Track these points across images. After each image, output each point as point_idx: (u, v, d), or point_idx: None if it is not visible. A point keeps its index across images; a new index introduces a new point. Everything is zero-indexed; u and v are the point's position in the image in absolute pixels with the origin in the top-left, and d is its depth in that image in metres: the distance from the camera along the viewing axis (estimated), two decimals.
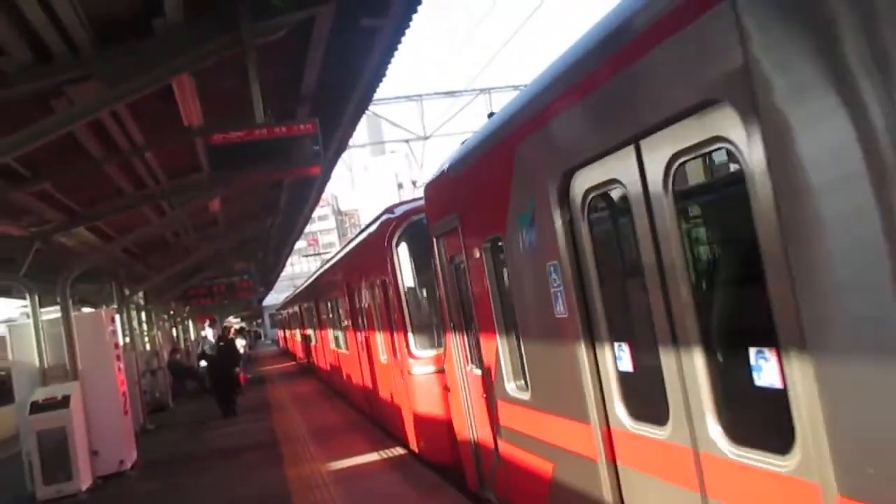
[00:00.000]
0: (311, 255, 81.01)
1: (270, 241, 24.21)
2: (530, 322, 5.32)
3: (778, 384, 2.85)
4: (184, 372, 24.46)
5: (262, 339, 78.07)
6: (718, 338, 3.32)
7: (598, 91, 3.83)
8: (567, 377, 4.59)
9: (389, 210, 11.06)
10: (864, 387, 2.37)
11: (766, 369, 2.93)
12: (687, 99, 3.01)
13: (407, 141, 26.63)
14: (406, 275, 9.96)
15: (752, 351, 3.01)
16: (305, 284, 28.75)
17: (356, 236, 15.08)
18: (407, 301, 9.90)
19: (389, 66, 8.42)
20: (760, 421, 3.22)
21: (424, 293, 9.86)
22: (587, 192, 4.12)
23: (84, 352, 11.46)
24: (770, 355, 2.91)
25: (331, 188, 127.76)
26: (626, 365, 4.11)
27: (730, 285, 3.51)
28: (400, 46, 7.79)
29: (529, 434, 5.57)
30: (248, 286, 27.41)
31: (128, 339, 17.98)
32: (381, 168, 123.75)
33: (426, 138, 25.92)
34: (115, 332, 12.59)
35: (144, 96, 7.20)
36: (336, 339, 17.90)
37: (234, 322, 59.83)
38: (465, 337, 6.99)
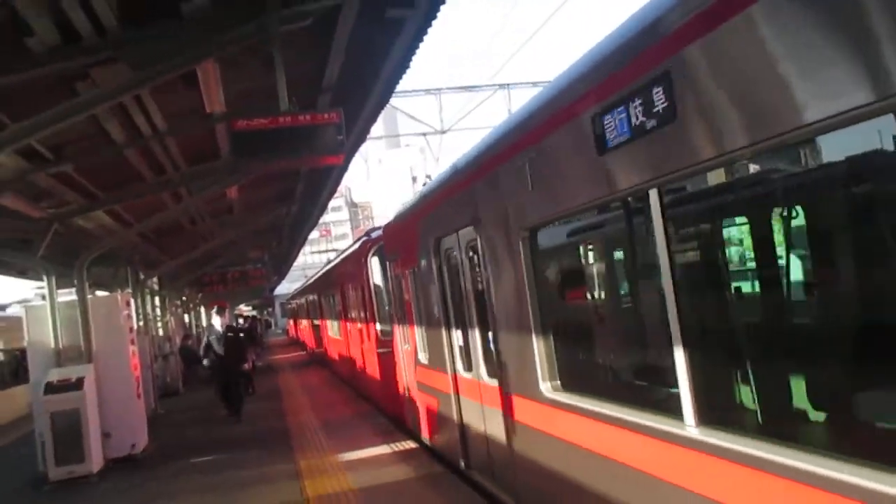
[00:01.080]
0: (321, 252, 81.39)
1: (285, 231, 24.26)
2: (427, 318, 9.03)
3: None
4: (195, 358, 24.56)
5: (273, 327, 78.39)
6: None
7: (445, 202, 7.65)
8: (440, 348, 8.39)
9: (367, 234, 15.58)
10: None
11: None
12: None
13: (424, 134, 26.57)
14: (375, 281, 13.94)
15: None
16: (310, 281, 32.84)
17: (346, 249, 19.40)
18: (375, 299, 13.85)
19: (413, 59, 8.39)
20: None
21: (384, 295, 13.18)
22: (445, 249, 7.97)
23: (99, 334, 11.52)
24: None
25: (345, 180, 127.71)
26: (461, 341, 7.78)
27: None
28: (425, 38, 7.74)
29: (427, 384, 9.44)
30: (261, 274, 27.47)
31: (141, 324, 18.08)
32: (396, 161, 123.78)
33: (443, 132, 25.86)
34: (129, 315, 12.62)
35: (168, 81, 7.21)
36: (333, 328, 21.74)
37: (245, 310, 60.12)
38: (401, 326, 10.86)
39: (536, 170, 5.07)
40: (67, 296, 12.10)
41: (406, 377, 10.76)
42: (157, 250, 19.08)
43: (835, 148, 3.00)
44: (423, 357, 9.42)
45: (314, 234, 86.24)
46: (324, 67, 8.63)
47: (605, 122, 3.99)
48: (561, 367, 5.29)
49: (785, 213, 3.89)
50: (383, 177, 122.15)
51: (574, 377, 5.23)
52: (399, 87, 9.49)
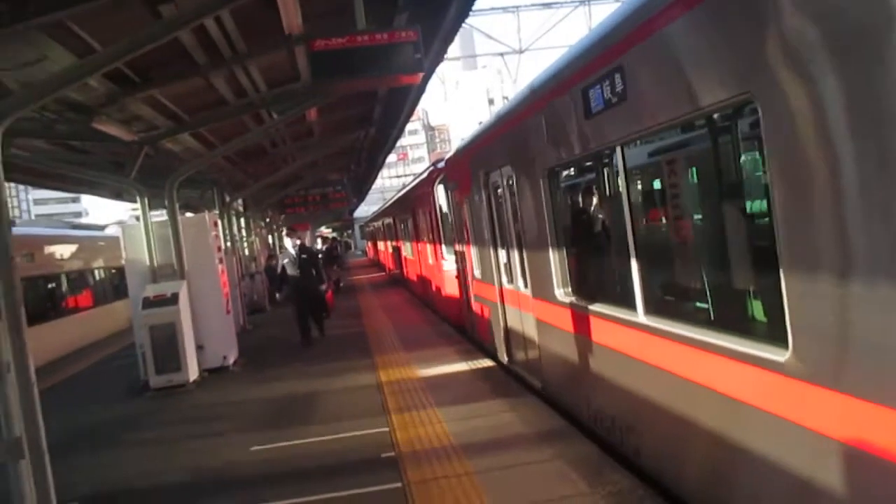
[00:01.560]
0: (397, 176, 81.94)
1: (363, 154, 24.44)
2: (479, 240, 10.68)
3: None
4: (283, 278, 25.49)
5: (353, 249, 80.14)
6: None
7: (491, 143, 9.29)
8: (489, 266, 10.17)
9: (434, 164, 16.74)
10: None
11: None
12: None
13: (501, 54, 26.00)
14: (441, 207, 15.30)
15: None
16: (385, 206, 34.92)
17: (416, 177, 21.17)
18: (441, 223, 15.45)
19: None
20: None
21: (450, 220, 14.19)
22: (492, 182, 9.57)
23: (189, 253, 12.07)
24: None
25: (422, 102, 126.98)
26: (504, 259, 9.40)
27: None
28: None
29: (480, 295, 11.34)
30: (341, 197, 27.88)
31: (228, 244, 18.82)
32: (473, 82, 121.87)
33: (521, 52, 25.20)
34: (217, 235, 13.17)
35: (247, 2, 7.24)
36: (406, 249, 23.64)
37: (326, 232, 61.57)
38: (461, 246, 12.61)
39: (550, 125, 6.73)
40: (159, 217, 12.67)
41: (465, 290, 12.83)
42: (242, 173, 19.63)
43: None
44: (477, 272, 11.42)
45: (392, 157, 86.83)
46: None
47: (590, 95, 5.49)
48: (570, 278, 7.17)
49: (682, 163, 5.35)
50: (460, 99, 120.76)
51: (578, 285, 7.05)
52: (476, 5, 9.27)
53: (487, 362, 10.37)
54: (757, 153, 3.88)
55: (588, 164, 6.71)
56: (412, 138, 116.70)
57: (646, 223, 5.73)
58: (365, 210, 64.99)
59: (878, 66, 2.70)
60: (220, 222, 14.58)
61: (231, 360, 12.56)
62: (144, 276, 11.91)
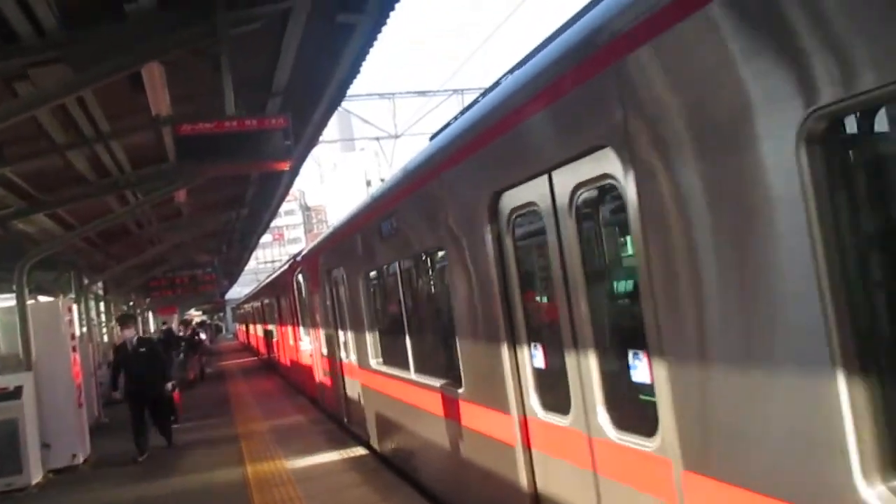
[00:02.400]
0: (266, 263, 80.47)
1: (235, 235, 23.90)
2: (325, 323, 12.66)
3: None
4: (111, 375, 24.11)
5: (224, 332, 77.20)
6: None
7: (328, 249, 12.11)
8: (332, 344, 12.24)
9: (294, 256, 18.24)
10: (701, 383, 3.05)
11: (640, 368, 3.60)
12: None
13: (377, 139, 26.53)
14: (301, 295, 16.59)
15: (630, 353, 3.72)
16: (254, 291, 36.47)
17: (281, 267, 22.43)
18: (299, 310, 16.93)
19: (364, 64, 8.36)
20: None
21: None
22: (333, 277, 11.58)
23: (39, 342, 11.18)
24: (643, 356, 3.53)
25: (299, 183, 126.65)
26: (343, 339, 11.38)
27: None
28: (375, 44, 7.72)
29: (324, 368, 13.45)
30: (211, 279, 26.98)
31: (85, 330, 17.59)
32: (351, 164, 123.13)
33: (397, 137, 25.84)
34: (71, 322, 12.28)
35: (112, 82, 7.04)
36: (276, 333, 24.59)
37: (195, 314, 58.99)
38: (312, 330, 14.91)
39: (364, 242, 9.08)
40: (8, 301, 11.71)
41: (315, 366, 15.02)
42: (103, 254, 18.62)
43: None
44: (324, 351, 13.28)
45: (267, 238, 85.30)
46: (273, 71, 8.55)
47: (382, 227, 8.05)
48: (378, 349, 9.28)
49: None
50: (338, 180, 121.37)
51: (385, 355, 9.05)
52: (353, 91, 9.50)
53: (331, 424, 12.51)
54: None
55: (384, 270, 8.63)
56: (289, 219, 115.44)
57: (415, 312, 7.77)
58: (238, 292, 63.06)
59: None
60: (75, 307, 13.63)
61: (82, 459, 11.55)
62: None
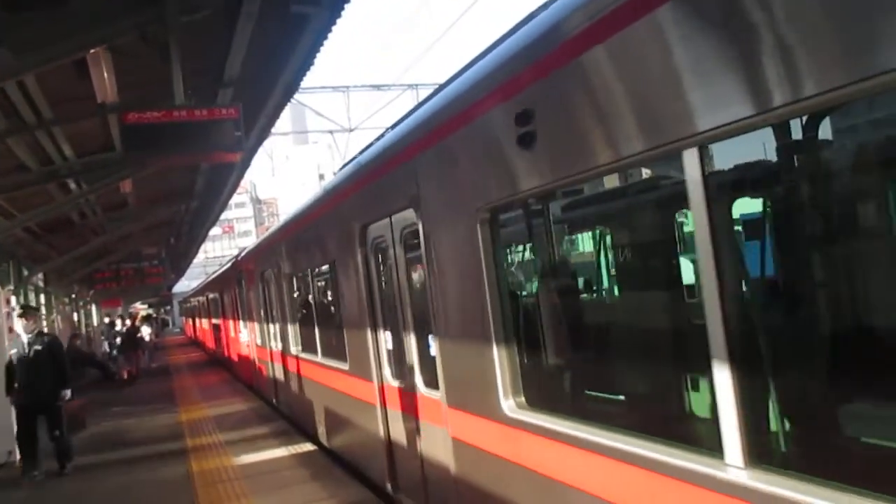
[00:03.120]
0: (217, 257, 78.98)
1: (184, 227, 23.43)
2: (258, 317, 14.77)
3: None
4: (84, 359, 23.39)
5: (171, 326, 75.70)
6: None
7: (264, 251, 14.04)
8: (264, 335, 14.32)
9: (236, 256, 19.33)
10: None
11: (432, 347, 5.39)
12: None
13: (331, 132, 26.29)
14: (241, 291, 17.73)
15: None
16: (201, 285, 37.94)
17: (227, 263, 23.22)
18: (239, 303, 18.39)
19: (318, 56, 8.26)
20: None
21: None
22: (265, 277, 13.49)
23: None
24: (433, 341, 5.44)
25: (250, 175, 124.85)
26: (271, 330, 13.21)
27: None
28: (330, 35, 7.64)
29: (259, 357, 15.38)
30: (158, 272, 26.43)
31: None
32: (303, 157, 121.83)
33: (351, 130, 25.65)
34: (9, 314, 11.88)
35: (56, 68, 6.82)
36: (222, 327, 25.46)
37: (140, 308, 57.68)
38: (248, 322, 16.80)
39: (287, 251, 11.11)
40: None
41: (251, 355, 16.95)
42: (44, 245, 18.05)
43: None
44: (258, 341, 15.19)
45: (216, 231, 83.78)
46: (225, 61, 8.37)
47: (297, 240, 10.49)
48: (299, 339, 10.93)
49: None
50: (291, 173, 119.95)
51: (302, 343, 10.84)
52: (307, 83, 9.38)
53: (257, 403, 14.76)
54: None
55: (302, 275, 10.49)
56: (239, 211, 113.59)
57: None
58: (185, 285, 61.85)
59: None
60: (13, 299, 13.19)
61: (18, 457, 11.16)
62: None
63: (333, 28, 7.57)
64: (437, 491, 5.67)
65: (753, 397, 2.64)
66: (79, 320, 30.42)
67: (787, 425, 2.92)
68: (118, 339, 22.37)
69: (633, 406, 3.88)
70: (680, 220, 3.57)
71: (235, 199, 22.29)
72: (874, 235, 2.72)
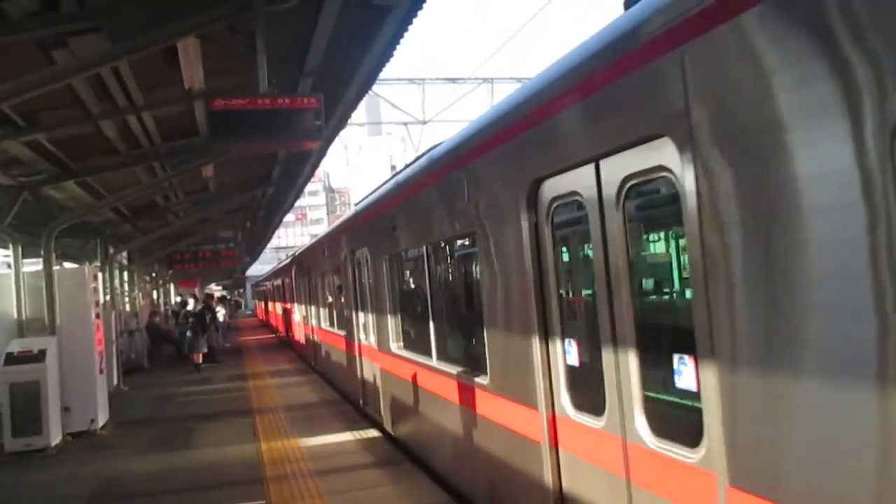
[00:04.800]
0: (282, 249, 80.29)
1: (259, 212, 24.08)
2: (313, 308, 18.59)
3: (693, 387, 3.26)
4: (162, 336, 24.35)
5: (243, 308, 77.91)
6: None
7: (310, 255, 19.50)
8: (310, 317, 19.40)
9: (293, 255, 26.01)
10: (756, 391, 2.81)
11: (685, 373, 3.33)
12: None
13: (405, 124, 26.48)
14: (295, 284, 22.73)
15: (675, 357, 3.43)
16: (270, 272, 42.52)
17: (289, 257, 29.73)
18: (296, 294, 22.82)
19: (397, 48, 8.35)
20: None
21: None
22: (312, 275, 18.87)
23: (64, 307, 11.36)
24: (689, 361, 3.28)
25: (324, 165, 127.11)
26: (317, 314, 17.73)
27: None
28: (410, 28, 7.71)
29: (322, 340, 17.09)
30: (233, 255, 27.23)
31: (108, 298, 17.86)
32: (377, 148, 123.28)
33: (424, 122, 25.79)
34: (96, 289, 12.46)
35: (147, 55, 7.11)
36: (280, 310, 30.77)
37: (215, 289, 59.56)
38: (308, 309, 19.51)
39: (318, 260, 16.70)
40: (35, 266, 11.91)
41: (304, 337, 20.94)
42: (129, 224, 18.86)
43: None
44: (317, 323, 17.52)
45: (290, 217, 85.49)
46: (307, 50, 8.56)
47: (309, 260, 18.34)
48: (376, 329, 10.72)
49: None
50: (363, 163, 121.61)
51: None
52: (383, 75, 9.48)
53: (335, 395, 14.32)
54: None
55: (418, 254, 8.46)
56: (312, 199, 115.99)
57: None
58: (259, 269, 63.55)
59: None
60: (100, 275, 13.84)
61: (100, 424, 11.75)
62: (11, 330, 11.08)
63: (413, 21, 7.65)
64: None
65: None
66: (158, 298, 31.66)
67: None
68: (189, 320, 20.97)
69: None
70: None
71: (309, 187, 22.93)
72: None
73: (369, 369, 10.97)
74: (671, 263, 3.79)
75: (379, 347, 9.92)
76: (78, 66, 6.71)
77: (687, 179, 3.03)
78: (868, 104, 2.23)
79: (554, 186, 4.33)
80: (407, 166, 8.55)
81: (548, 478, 4.56)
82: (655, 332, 3.75)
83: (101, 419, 11.91)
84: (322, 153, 14.42)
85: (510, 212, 4.84)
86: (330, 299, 15.29)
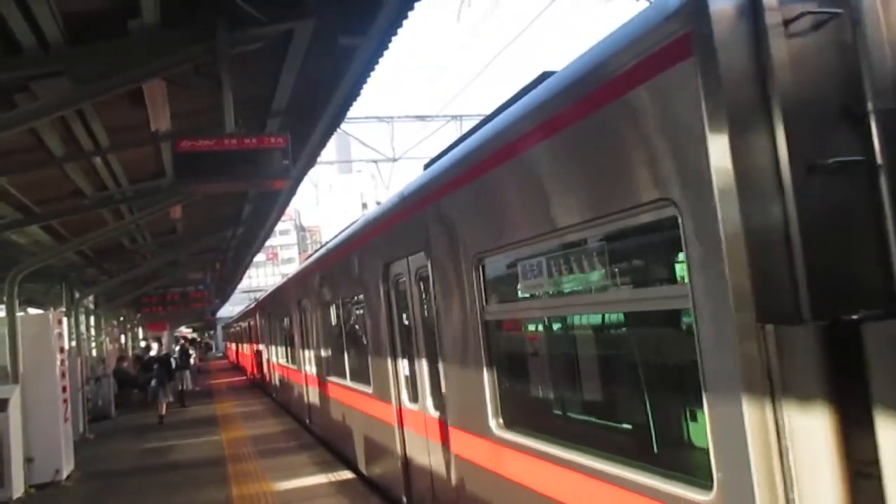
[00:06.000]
0: (251, 291, 78.47)
1: (229, 253, 23.86)
2: (274, 346, 21.19)
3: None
4: (130, 381, 23.83)
5: (213, 350, 76.75)
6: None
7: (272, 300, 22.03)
8: (280, 356, 19.46)
9: (257, 301, 28.94)
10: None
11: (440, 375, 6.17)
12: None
13: (375, 161, 26.58)
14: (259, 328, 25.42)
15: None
16: (235, 319, 46.46)
17: (248, 306, 35.99)
18: (260, 337, 25.23)
19: (364, 87, 8.41)
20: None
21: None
22: (274, 316, 21.08)
23: (27, 354, 11.08)
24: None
25: (295, 203, 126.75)
26: (286, 353, 18.13)
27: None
28: (377, 67, 7.78)
29: (278, 374, 20.52)
30: (203, 297, 26.90)
31: (74, 344, 17.49)
32: (347, 186, 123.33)
33: (394, 160, 25.92)
34: (61, 335, 12.19)
35: (112, 97, 7.08)
36: (248, 351, 32.66)
37: (186, 332, 58.63)
38: (268, 350, 22.97)
39: (273, 306, 20.66)
40: None
41: (267, 374, 23.29)
42: (95, 268, 18.55)
43: None
44: (274, 360, 20.74)
45: (261, 257, 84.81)
46: (274, 91, 8.60)
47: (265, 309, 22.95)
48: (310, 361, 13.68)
49: None
50: (334, 201, 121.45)
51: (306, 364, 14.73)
52: (352, 113, 9.54)
53: (287, 419, 16.74)
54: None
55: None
56: (283, 238, 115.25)
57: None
58: (229, 310, 62.78)
59: None
60: (65, 321, 13.55)
61: (65, 475, 11.40)
62: None
63: (380, 60, 7.72)
64: None
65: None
66: (126, 343, 31.06)
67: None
68: (154, 366, 19.63)
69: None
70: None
71: (280, 226, 23.11)
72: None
73: (310, 392, 13.89)
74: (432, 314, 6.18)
75: (316, 374, 12.96)
76: (41, 109, 6.65)
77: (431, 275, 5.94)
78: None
79: (394, 268, 7.27)
80: (322, 246, 12.88)
81: (399, 447, 7.40)
82: (430, 353, 6.29)
83: (66, 469, 11.56)
84: (292, 192, 14.39)
85: (376, 281, 7.71)
86: (287, 339, 17.63)
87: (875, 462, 2.26)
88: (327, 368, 11.59)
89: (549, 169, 3.93)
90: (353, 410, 9.56)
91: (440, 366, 5.86)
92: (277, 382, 20.06)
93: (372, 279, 7.80)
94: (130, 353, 30.22)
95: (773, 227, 2.55)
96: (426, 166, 6.68)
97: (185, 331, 59.39)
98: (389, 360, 7.41)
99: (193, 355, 35.07)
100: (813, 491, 2.40)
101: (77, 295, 18.08)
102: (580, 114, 3.53)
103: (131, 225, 14.00)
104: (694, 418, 3.17)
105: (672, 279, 3.27)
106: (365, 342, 8.59)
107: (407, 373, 7.16)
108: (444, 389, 5.86)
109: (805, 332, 2.42)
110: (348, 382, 9.84)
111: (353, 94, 8.54)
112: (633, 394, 3.77)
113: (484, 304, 4.86)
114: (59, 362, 11.72)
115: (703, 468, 2.87)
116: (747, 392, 2.57)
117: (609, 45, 3.44)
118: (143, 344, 35.76)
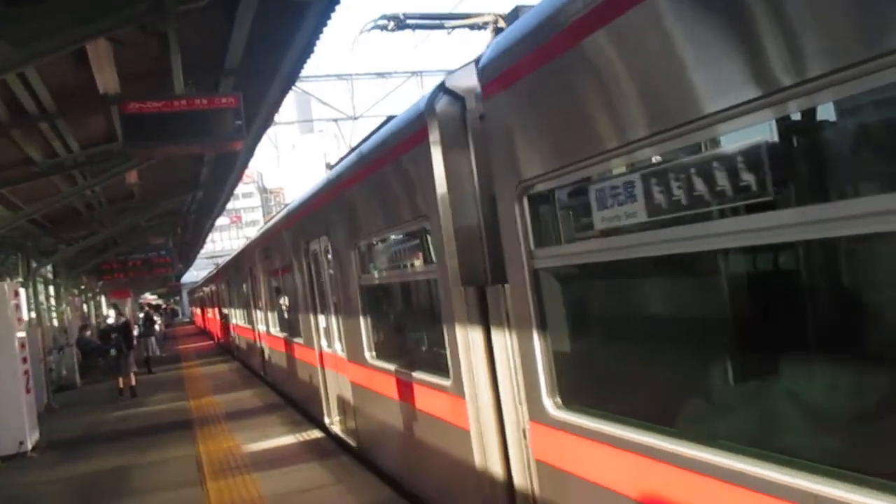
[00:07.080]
0: (216, 256, 76.51)
1: (190, 216, 23.49)
2: (226, 306, 26.36)
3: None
4: (94, 350, 23.54)
5: (180, 316, 76.14)
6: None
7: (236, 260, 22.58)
8: (240, 317, 21.87)
9: (218, 266, 34.10)
10: None
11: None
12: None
13: (336, 120, 26.21)
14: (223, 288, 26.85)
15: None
16: (203, 280, 46.54)
17: (214, 269, 36.43)
18: (220, 300, 28.54)
19: (318, 43, 8.23)
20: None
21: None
22: (231, 283, 24.39)
23: None
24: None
25: (257, 165, 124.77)
26: (242, 315, 21.03)
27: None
28: (330, 23, 7.61)
29: (236, 332, 23.10)
30: (166, 262, 26.50)
31: (34, 315, 17.18)
32: (309, 146, 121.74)
33: (355, 118, 25.59)
34: (18, 306, 11.94)
35: (57, 60, 6.83)
36: (214, 313, 34.07)
37: (150, 298, 57.98)
38: (236, 308, 23.34)
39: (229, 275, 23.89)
40: None
41: (229, 336, 25.10)
42: (52, 237, 18.15)
43: None
44: (233, 322, 23.18)
45: (224, 221, 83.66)
46: (225, 50, 8.36)
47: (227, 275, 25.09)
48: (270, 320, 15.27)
49: None
50: (297, 162, 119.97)
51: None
52: (312, 72, 9.39)
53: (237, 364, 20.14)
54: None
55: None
56: (247, 201, 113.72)
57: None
58: (194, 275, 62.12)
59: None
60: (22, 292, 13.26)
61: (29, 446, 11.29)
62: None
63: (332, 15, 7.54)
64: None
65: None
66: (89, 312, 30.61)
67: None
68: (112, 336, 17.83)
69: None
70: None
71: (242, 188, 23.05)
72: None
73: (262, 347, 16.18)
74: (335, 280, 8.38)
75: (265, 331, 15.52)
76: None
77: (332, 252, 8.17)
78: None
79: (311, 245, 9.38)
80: (267, 220, 15.51)
81: (321, 383, 9.81)
82: (337, 309, 8.37)
83: (31, 440, 11.44)
84: (250, 153, 14.15)
85: (300, 255, 9.95)
86: (243, 302, 20.01)
87: (490, 349, 4.50)
88: (272, 325, 14.54)
89: (376, 189, 6.33)
90: (292, 357, 12.34)
91: (341, 318, 8.29)
92: (239, 343, 22.46)
93: (297, 253, 10.24)
94: (94, 321, 29.80)
95: (472, 231, 4.53)
96: (329, 168, 9.65)
97: (149, 297, 58.69)
98: (311, 316, 9.99)
99: (158, 322, 34.69)
100: (477, 366, 4.58)
101: (34, 265, 17.69)
102: (383, 161, 5.97)
103: (86, 191, 13.68)
104: (443, 341, 5.14)
105: (429, 260, 5.40)
106: (296, 303, 11.13)
107: (324, 325, 9.53)
108: (342, 334, 8.31)
109: (472, 290, 4.54)
110: (288, 336, 12.62)
111: (307, 52, 8.37)
112: (417, 329, 6.54)
113: (360, 273, 7.23)
114: (16, 333, 11.50)
115: (445, 368, 5.14)
116: (458, 323, 4.70)
117: (394, 124, 5.82)
118: (106, 313, 35.24)
